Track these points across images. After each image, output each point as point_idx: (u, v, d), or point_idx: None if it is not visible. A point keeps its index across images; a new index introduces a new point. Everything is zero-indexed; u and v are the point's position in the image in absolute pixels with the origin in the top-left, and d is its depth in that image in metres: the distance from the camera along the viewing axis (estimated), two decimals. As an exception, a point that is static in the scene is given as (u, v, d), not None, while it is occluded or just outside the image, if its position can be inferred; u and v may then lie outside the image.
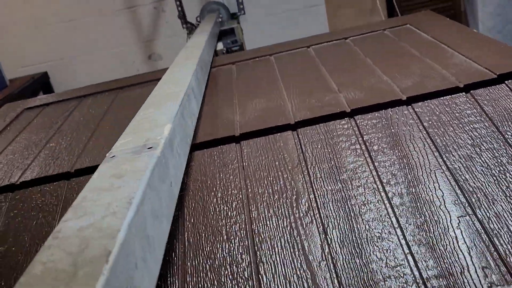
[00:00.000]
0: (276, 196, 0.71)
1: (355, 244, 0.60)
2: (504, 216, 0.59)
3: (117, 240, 0.38)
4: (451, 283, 0.52)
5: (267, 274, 0.59)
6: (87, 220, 0.42)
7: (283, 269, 0.59)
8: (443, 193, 0.65)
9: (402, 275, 0.54)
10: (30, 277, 0.35)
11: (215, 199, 0.73)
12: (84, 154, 0.96)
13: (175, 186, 0.64)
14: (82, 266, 0.35)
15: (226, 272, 0.60)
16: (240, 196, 0.72)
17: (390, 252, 0.58)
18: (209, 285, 0.59)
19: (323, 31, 2.96)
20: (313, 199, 0.69)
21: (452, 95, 0.87)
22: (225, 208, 0.71)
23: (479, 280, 0.52)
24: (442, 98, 0.87)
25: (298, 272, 0.58)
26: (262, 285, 0.58)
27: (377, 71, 1.06)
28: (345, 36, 1.39)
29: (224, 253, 0.63)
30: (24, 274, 0.36)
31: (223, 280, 0.59)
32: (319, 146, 0.80)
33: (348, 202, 0.67)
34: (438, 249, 0.57)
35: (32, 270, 0.36)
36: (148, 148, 0.59)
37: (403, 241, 0.59)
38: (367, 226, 0.62)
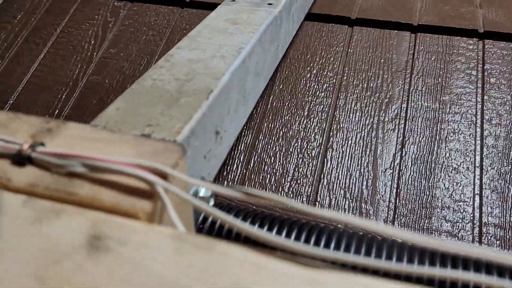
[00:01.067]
0: (368, 93, 0.69)
1: (428, 166, 0.60)
2: None
3: (219, 83, 0.40)
4: (508, 237, 0.52)
5: (332, 160, 0.61)
6: (198, 55, 0.44)
7: (348, 161, 0.61)
8: (544, 152, 0.60)
9: (461, 211, 0.55)
10: (140, 87, 0.39)
11: (308, 75, 0.73)
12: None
13: (281, 50, 0.64)
14: (185, 95, 0.38)
15: (296, 144, 0.64)
16: (334, 80, 0.72)
17: (459, 186, 0.57)
18: (276, 150, 0.63)
19: None
20: (404, 108, 0.67)
21: None
22: (315, 87, 0.71)
23: (537, 245, 0.51)
24: None
25: (362, 170, 0.60)
26: (325, 168, 0.61)
27: (537, -4, 0.89)
28: None
29: (300, 127, 0.66)
30: (136, 82, 0.40)
31: (291, 150, 0.63)
32: (432, 58, 0.74)
33: (439, 125, 0.64)
34: (510, 203, 0.55)
35: (143, 82, 0.40)
36: (268, 4, 0.58)
37: (477, 181, 0.57)
38: (448, 154, 0.61)
